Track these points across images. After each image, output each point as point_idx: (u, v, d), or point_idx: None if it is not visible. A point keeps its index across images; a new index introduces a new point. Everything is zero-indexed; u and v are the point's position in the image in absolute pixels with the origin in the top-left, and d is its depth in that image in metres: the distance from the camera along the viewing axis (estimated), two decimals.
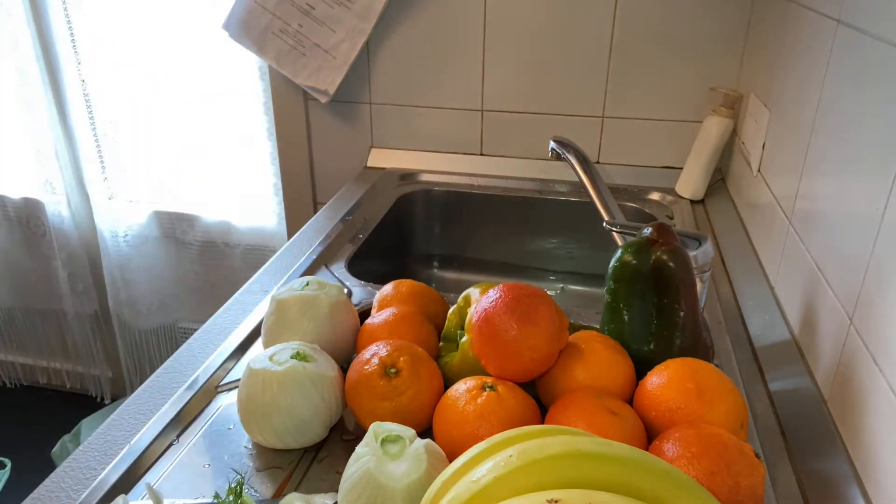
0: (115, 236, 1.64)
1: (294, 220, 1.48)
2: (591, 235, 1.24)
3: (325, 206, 1.19)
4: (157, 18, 1.46)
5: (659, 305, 0.62)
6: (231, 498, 0.51)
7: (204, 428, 0.66)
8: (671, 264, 0.61)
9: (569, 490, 0.37)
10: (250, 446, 0.63)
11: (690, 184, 1.20)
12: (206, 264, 1.67)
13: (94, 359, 1.92)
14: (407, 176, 1.32)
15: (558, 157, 0.97)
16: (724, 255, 0.99)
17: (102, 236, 1.65)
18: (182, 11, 1.44)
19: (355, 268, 0.99)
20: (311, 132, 1.40)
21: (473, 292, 0.70)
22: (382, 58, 1.30)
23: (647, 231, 0.64)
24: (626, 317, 0.64)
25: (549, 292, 0.66)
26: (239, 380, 0.69)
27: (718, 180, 1.23)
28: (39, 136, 1.61)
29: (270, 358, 0.62)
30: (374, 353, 0.63)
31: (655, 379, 0.58)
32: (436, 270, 1.33)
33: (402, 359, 0.62)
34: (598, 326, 0.69)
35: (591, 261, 1.26)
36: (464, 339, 0.66)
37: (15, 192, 1.73)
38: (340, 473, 0.59)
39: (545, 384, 0.62)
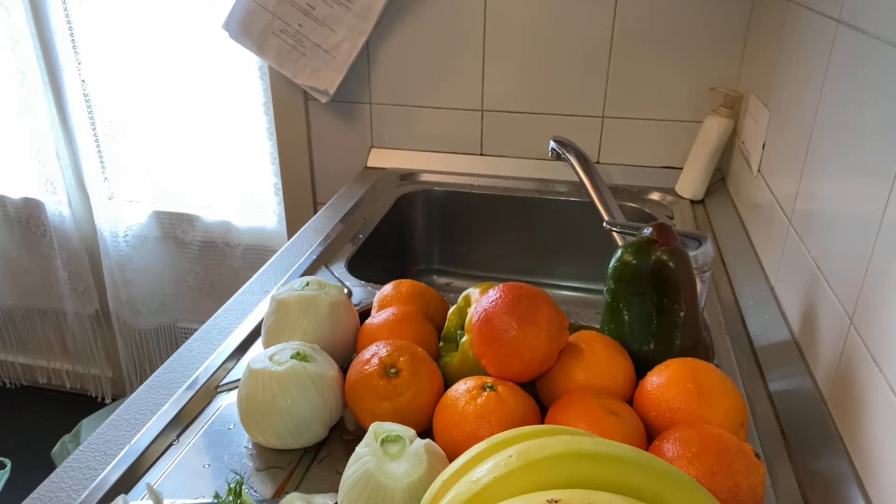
0: (115, 236, 1.64)
1: (294, 220, 1.48)
2: (590, 235, 1.24)
3: (325, 206, 1.19)
4: (158, 18, 1.46)
5: (659, 305, 0.62)
6: (231, 498, 0.51)
7: (204, 428, 0.66)
8: (671, 264, 0.61)
9: (569, 490, 0.37)
10: (250, 446, 0.63)
11: (690, 184, 1.20)
12: (206, 264, 1.67)
13: (94, 359, 1.92)
14: (407, 176, 1.32)
15: (558, 157, 0.97)
16: (724, 255, 0.99)
17: (102, 236, 1.65)
18: (182, 12, 1.44)
19: (355, 268, 0.99)
20: (311, 132, 1.40)
21: (473, 292, 0.70)
22: (382, 58, 1.30)
23: (647, 231, 0.64)
24: (626, 317, 0.64)
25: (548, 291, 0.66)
26: (239, 380, 0.69)
27: (718, 180, 1.23)
28: (39, 136, 1.61)
29: (270, 358, 0.62)
30: (374, 353, 0.63)
31: (655, 379, 0.58)
32: (436, 270, 1.33)
33: (402, 359, 0.62)
34: (598, 326, 0.69)
35: (590, 261, 1.26)
36: (464, 339, 0.66)
37: (15, 192, 1.73)
38: (340, 473, 0.59)
39: (545, 384, 0.62)
